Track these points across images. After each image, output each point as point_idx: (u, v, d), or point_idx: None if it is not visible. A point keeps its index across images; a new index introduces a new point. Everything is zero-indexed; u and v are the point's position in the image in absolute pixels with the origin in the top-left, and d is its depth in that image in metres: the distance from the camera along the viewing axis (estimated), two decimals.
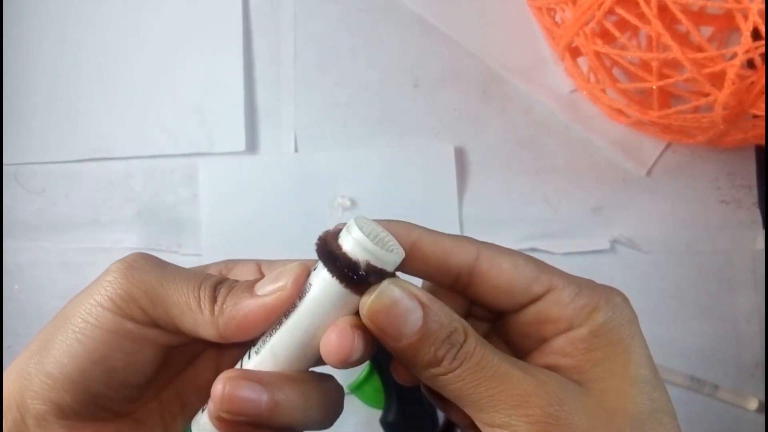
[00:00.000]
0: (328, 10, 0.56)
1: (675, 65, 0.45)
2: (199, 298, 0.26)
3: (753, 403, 0.51)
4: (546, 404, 0.24)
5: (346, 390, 0.50)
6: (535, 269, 0.27)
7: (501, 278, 0.27)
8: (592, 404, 0.25)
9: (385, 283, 0.25)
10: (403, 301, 0.25)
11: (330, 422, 0.28)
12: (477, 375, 0.25)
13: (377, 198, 0.53)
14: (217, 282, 0.27)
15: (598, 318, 0.27)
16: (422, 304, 0.25)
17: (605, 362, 0.26)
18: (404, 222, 0.28)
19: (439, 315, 0.25)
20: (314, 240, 0.26)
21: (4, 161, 0.54)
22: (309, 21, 0.56)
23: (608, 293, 0.28)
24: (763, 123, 0.45)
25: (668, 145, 0.54)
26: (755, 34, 0.38)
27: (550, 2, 0.47)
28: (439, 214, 0.53)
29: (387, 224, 0.27)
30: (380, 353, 0.26)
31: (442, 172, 0.53)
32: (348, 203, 0.53)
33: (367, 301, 0.25)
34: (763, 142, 0.48)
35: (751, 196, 0.54)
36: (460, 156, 0.54)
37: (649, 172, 0.54)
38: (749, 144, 0.53)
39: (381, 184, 0.53)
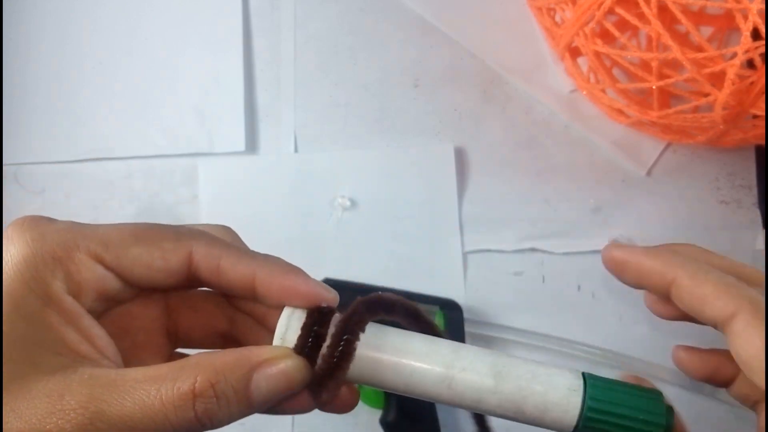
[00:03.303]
0: (328, 10, 0.56)
1: (675, 65, 0.45)
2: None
3: None
4: None
5: None
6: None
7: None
8: None
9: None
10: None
11: None
12: None
13: (377, 198, 0.53)
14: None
15: None
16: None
17: None
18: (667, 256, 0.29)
19: None
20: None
21: (4, 161, 0.54)
22: (309, 21, 0.56)
23: None
24: (763, 123, 0.45)
25: (668, 145, 0.54)
26: (755, 34, 0.38)
27: (550, 2, 0.47)
28: (439, 214, 0.53)
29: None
30: None
31: (442, 172, 0.53)
32: (348, 203, 0.53)
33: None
34: (763, 142, 0.48)
35: (751, 196, 0.54)
36: (460, 156, 0.54)
37: (649, 172, 0.54)
38: (749, 144, 0.53)
39: (381, 184, 0.53)
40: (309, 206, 0.53)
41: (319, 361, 0.25)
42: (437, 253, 0.53)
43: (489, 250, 0.53)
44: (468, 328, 0.50)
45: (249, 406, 0.23)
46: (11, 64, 0.55)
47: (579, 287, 0.53)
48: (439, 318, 0.49)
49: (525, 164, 0.54)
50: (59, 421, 0.21)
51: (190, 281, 0.27)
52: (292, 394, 0.25)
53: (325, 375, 0.25)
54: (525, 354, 0.52)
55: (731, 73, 0.40)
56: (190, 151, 0.54)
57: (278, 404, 0.25)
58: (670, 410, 0.25)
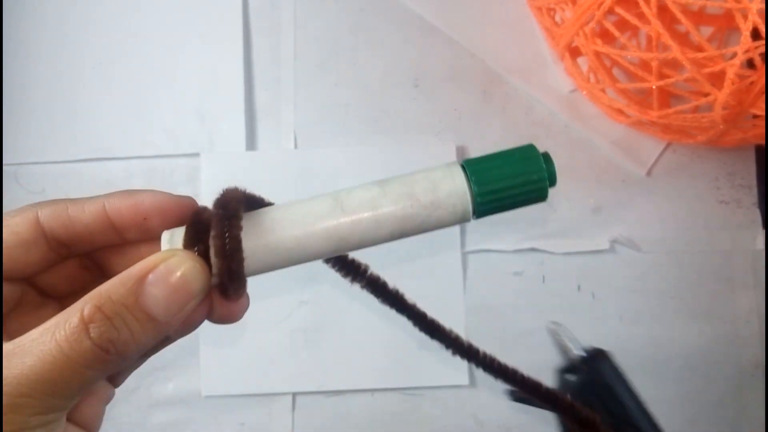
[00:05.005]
0: (328, 10, 0.56)
1: (675, 65, 0.45)
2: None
3: None
4: None
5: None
6: None
7: None
8: None
9: None
10: None
11: None
12: None
13: None
14: None
15: None
16: None
17: None
18: None
19: None
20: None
21: (4, 161, 0.54)
22: (309, 21, 0.56)
23: None
24: (763, 123, 0.45)
25: (668, 145, 0.54)
26: (755, 34, 0.38)
27: (550, 2, 0.47)
28: None
29: None
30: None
31: None
32: None
33: None
34: (763, 142, 0.48)
35: (751, 196, 0.54)
36: (461, 156, 0.54)
37: (649, 172, 0.54)
38: (749, 144, 0.53)
39: None
40: None
41: (213, 259, 0.23)
42: (437, 253, 0.53)
43: (489, 250, 0.53)
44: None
45: (151, 319, 0.22)
46: (11, 64, 0.55)
47: (579, 287, 0.53)
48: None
49: None
50: None
51: (55, 251, 0.26)
52: (196, 298, 0.23)
53: (225, 267, 0.23)
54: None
55: (731, 73, 0.40)
56: (191, 151, 0.54)
57: (189, 314, 0.23)
58: (547, 158, 0.25)
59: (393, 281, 0.52)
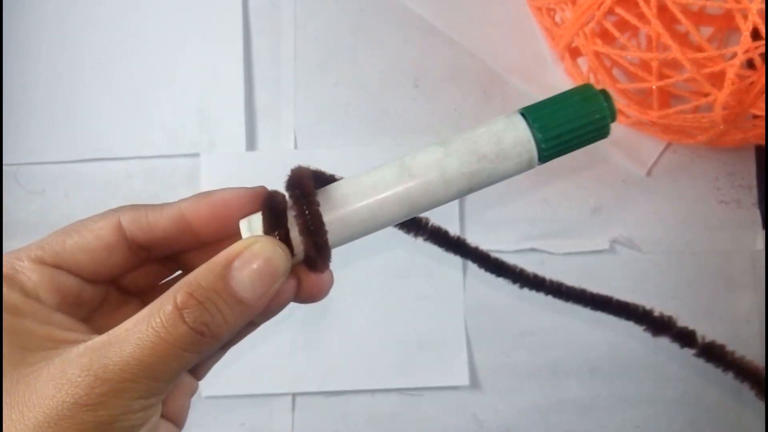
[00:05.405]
0: (328, 10, 0.56)
1: (675, 65, 0.45)
2: None
3: None
4: None
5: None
6: None
7: None
8: None
9: None
10: None
11: None
12: None
13: None
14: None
15: None
16: None
17: None
18: None
19: None
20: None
21: (4, 161, 0.54)
22: (309, 21, 0.56)
23: None
24: (763, 123, 0.45)
25: (668, 145, 0.54)
26: (755, 34, 0.38)
27: (550, 2, 0.47)
28: (438, 213, 0.53)
29: None
30: None
31: None
32: None
33: None
34: (763, 142, 0.48)
35: (751, 196, 0.54)
36: None
37: (649, 172, 0.54)
38: (749, 144, 0.53)
39: None
40: None
41: (298, 237, 0.24)
42: (437, 253, 0.52)
43: (489, 250, 0.53)
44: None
45: (240, 302, 0.23)
46: (11, 64, 0.55)
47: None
48: None
49: None
50: (69, 391, 0.22)
51: (136, 255, 0.27)
52: (280, 279, 0.24)
53: (312, 242, 0.24)
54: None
55: (731, 73, 0.40)
56: (190, 151, 0.54)
57: (275, 293, 0.25)
58: (606, 95, 0.25)
59: (392, 281, 0.52)
